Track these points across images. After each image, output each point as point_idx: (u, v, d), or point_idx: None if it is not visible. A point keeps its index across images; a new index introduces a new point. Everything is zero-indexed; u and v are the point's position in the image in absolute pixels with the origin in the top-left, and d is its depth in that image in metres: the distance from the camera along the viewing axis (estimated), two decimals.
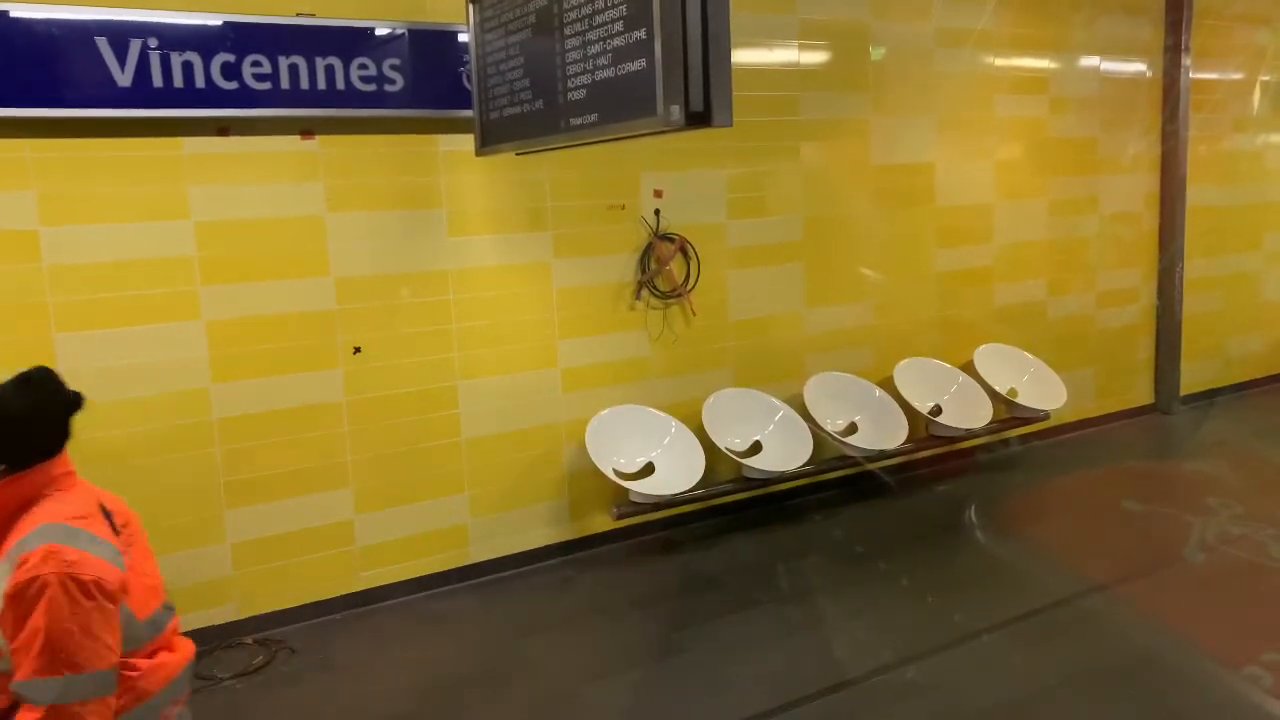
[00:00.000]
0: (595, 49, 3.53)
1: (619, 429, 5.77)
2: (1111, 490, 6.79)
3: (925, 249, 7.09)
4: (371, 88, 4.78)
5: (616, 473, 5.56)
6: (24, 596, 2.16)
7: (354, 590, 5.17)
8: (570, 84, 3.75)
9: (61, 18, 4.10)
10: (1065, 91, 7.66)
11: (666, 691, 4.28)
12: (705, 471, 5.75)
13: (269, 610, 4.93)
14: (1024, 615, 4.85)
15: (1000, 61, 7.28)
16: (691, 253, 5.97)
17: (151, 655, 2.42)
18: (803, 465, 6.07)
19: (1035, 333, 7.68)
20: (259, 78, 4.51)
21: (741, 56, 6.01)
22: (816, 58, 6.41)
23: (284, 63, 4.55)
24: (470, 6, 4.49)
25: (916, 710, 4.07)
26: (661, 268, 5.85)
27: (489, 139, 4.60)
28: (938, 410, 6.87)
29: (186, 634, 2.63)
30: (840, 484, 6.69)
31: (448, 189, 5.22)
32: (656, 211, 5.85)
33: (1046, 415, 7.22)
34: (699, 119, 3.10)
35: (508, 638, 4.85)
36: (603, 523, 5.86)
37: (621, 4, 3.33)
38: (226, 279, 4.71)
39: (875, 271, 6.83)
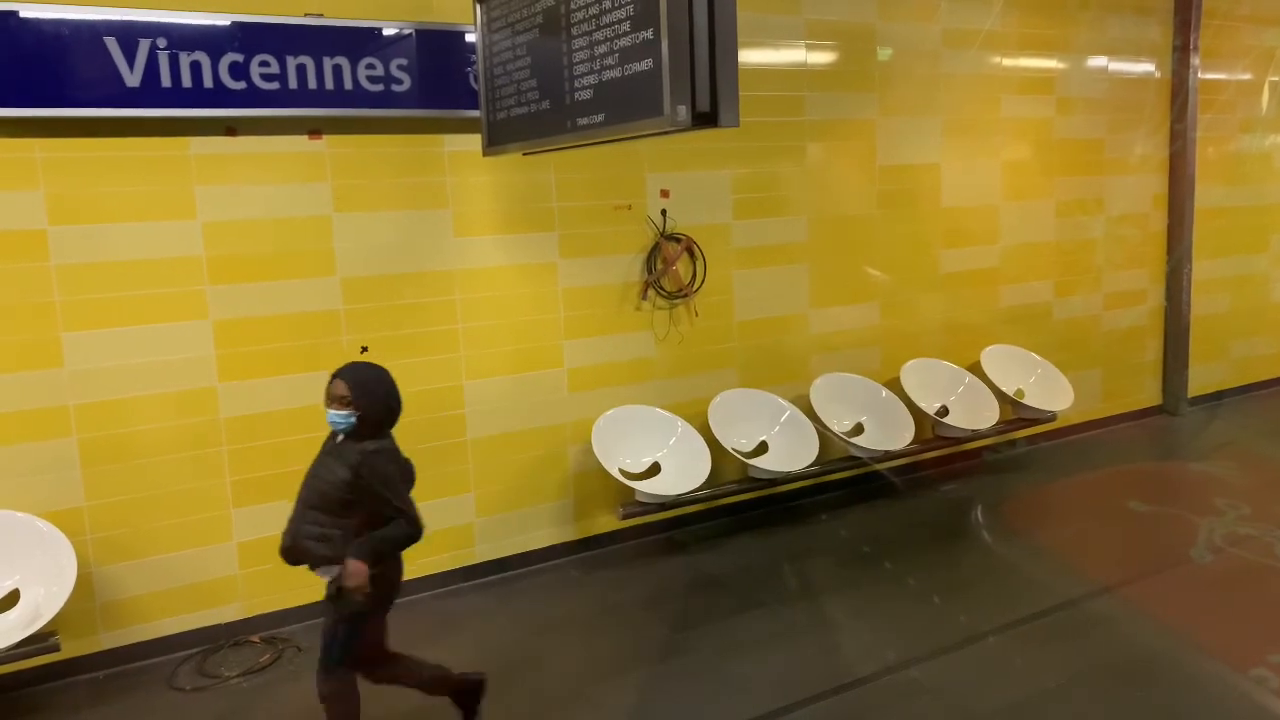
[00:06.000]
0: (602, 49, 3.53)
1: (625, 429, 5.77)
2: (1118, 491, 6.78)
3: (931, 250, 7.08)
4: (379, 88, 4.79)
5: (622, 472, 5.57)
6: None
7: None
8: (577, 84, 3.75)
9: (71, 18, 4.11)
10: (1072, 92, 7.64)
11: (672, 692, 4.28)
12: (711, 472, 5.74)
13: (275, 609, 4.93)
14: (1030, 617, 4.84)
15: (1007, 62, 7.27)
16: (698, 253, 5.97)
17: None
18: (809, 466, 6.07)
19: (1042, 334, 7.66)
20: (267, 78, 4.52)
21: (748, 57, 6.01)
22: (823, 58, 6.41)
23: (292, 63, 4.56)
24: (477, 7, 4.50)
25: (922, 711, 4.06)
26: (668, 268, 5.85)
27: (495, 139, 4.61)
28: (944, 411, 6.86)
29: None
30: (846, 484, 6.68)
31: (454, 189, 5.23)
32: (663, 212, 5.85)
33: (1053, 416, 7.21)
34: (706, 119, 3.10)
35: (513, 637, 4.85)
36: (608, 523, 5.86)
37: (628, 4, 3.33)
38: (233, 278, 4.72)
39: (881, 272, 6.82)
